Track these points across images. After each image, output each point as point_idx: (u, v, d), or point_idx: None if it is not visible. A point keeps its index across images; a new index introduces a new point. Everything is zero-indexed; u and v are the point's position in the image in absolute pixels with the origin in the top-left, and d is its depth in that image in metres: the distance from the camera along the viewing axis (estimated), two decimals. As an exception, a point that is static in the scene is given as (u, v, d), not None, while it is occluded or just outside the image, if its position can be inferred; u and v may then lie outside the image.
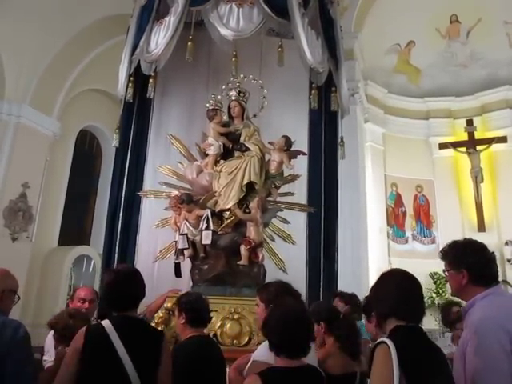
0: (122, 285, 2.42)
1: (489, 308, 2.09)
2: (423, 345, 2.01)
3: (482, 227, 10.83)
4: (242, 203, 4.96)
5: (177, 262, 4.88)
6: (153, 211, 5.48)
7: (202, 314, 2.93)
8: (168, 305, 4.38)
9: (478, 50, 11.45)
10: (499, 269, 8.86)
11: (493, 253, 2.30)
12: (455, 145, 11.43)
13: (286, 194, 5.43)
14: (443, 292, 9.95)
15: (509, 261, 10.36)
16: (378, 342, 1.98)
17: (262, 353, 2.34)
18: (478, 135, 11.35)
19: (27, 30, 8.70)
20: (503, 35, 11.22)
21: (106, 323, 2.32)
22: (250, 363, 2.40)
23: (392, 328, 2.02)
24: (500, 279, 8.56)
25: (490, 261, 2.32)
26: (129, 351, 2.23)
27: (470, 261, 2.23)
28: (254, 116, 5.53)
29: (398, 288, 2.07)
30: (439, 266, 2.60)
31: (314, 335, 2.35)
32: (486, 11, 10.96)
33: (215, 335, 4.26)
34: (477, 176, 11.06)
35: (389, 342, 1.90)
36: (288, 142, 5.18)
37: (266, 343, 2.33)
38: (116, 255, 5.26)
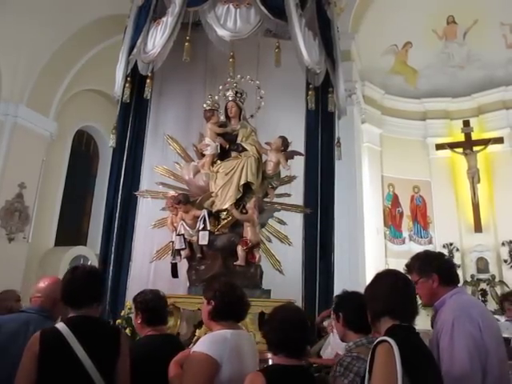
0: (76, 283, 2.43)
1: (459, 304, 2.37)
2: (418, 343, 2.06)
3: (478, 228, 10.86)
4: (239, 204, 4.95)
5: (174, 262, 4.87)
6: (149, 211, 5.48)
7: (158, 312, 2.92)
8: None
9: (475, 51, 11.48)
10: (496, 269, 8.86)
11: (450, 258, 2.59)
12: (452, 146, 11.45)
13: (282, 195, 5.43)
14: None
15: (505, 261, 10.39)
16: (378, 340, 2.00)
17: (200, 344, 2.39)
18: (474, 136, 11.38)
19: (24, 30, 8.68)
20: (499, 36, 11.25)
21: (60, 325, 2.32)
22: (189, 355, 2.44)
23: (388, 327, 2.06)
24: (497, 279, 8.58)
25: (452, 263, 2.65)
26: (87, 350, 2.24)
27: (437, 264, 2.50)
28: (251, 116, 5.53)
29: (393, 288, 2.13)
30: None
31: (311, 337, 2.45)
32: (482, 12, 10.99)
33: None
34: (473, 177, 11.08)
35: (390, 340, 1.93)
36: (285, 142, 5.18)
37: (204, 337, 2.47)
38: (112, 256, 5.26)
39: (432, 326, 2.62)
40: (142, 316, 2.87)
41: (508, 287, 10.04)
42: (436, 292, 2.43)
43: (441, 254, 2.68)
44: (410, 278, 2.43)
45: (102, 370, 2.25)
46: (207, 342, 2.38)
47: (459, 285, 2.61)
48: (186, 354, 2.52)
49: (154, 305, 2.90)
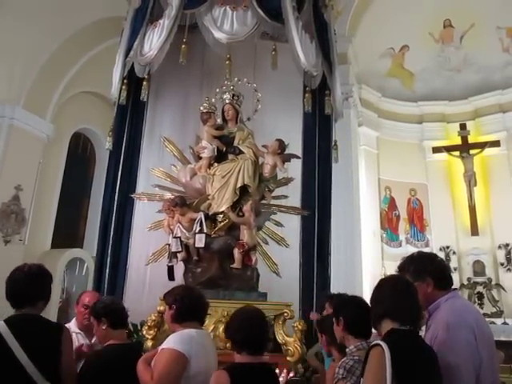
0: (18, 282, 2.46)
1: (454, 309, 2.33)
2: (416, 347, 2.08)
3: (475, 231, 10.86)
4: (236, 206, 4.96)
5: (170, 264, 4.86)
6: (146, 214, 5.47)
7: (121, 314, 2.99)
8: (161, 308, 4.36)
9: (471, 54, 11.50)
10: (492, 272, 8.87)
11: (442, 259, 2.59)
12: (448, 149, 11.46)
13: (279, 197, 5.43)
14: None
15: (502, 264, 10.40)
16: (373, 344, 2.05)
17: (169, 342, 2.55)
18: (471, 139, 11.39)
19: (21, 32, 8.67)
20: (496, 40, 11.28)
21: None
22: (158, 352, 2.57)
23: (387, 330, 2.10)
24: (494, 283, 8.56)
25: (445, 266, 2.63)
26: (25, 347, 2.27)
27: (431, 268, 2.45)
28: (248, 119, 5.54)
29: (392, 291, 2.18)
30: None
31: (269, 336, 2.71)
32: (478, 16, 11.01)
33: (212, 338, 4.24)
34: (470, 180, 11.09)
35: (383, 344, 1.97)
36: (282, 145, 5.18)
37: (171, 336, 2.62)
38: (109, 258, 5.24)
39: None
40: (108, 320, 2.87)
41: (505, 290, 10.05)
42: (430, 296, 2.39)
43: (434, 257, 2.62)
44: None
45: (42, 368, 2.29)
46: (175, 339, 2.54)
47: (455, 288, 2.56)
48: (153, 353, 2.65)
49: (116, 307, 2.98)
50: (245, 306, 2.77)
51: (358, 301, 2.71)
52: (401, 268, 2.54)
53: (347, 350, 2.57)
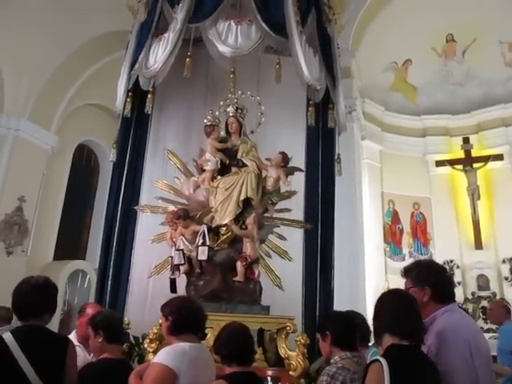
0: (24, 296, 2.47)
1: (450, 322, 2.29)
2: (416, 363, 2.09)
3: (479, 245, 10.81)
4: (239, 219, 4.95)
5: (172, 277, 4.84)
6: (149, 226, 5.46)
7: (118, 330, 3.02)
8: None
9: (474, 68, 11.57)
10: (497, 286, 8.80)
11: (451, 275, 2.52)
12: (452, 162, 11.48)
13: (282, 211, 5.42)
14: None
15: (506, 279, 10.33)
16: (372, 359, 2.09)
17: (160, 356, 2.54)
18: (474, 153, 11.41)
19: (27, 45, 8.77)
20: (498, 54, 11.35)
21: (6, 335, 2.34)
22: (149, 366, 2.57)
23: (387, 346, 2.12)
24: (498, 297, 8.48)
25: (450, 282, 2.61)
26: (31, 360, 2.27)
27: (433, 280, 2.41)
28: (252, 132, 5.55)
29: (389, 305, 2.21)
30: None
31: (255, 348, 2.85)
32: (481, 31, 11.10)
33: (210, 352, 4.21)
34: (473, 193, 11.08)
35: (382, 360, 1.99)
36: (285, 158, 5.19)
37: (164, 349, 2.62)
38: (111, 270, 5.23)
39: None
40: (104, 334, 2.89)
41: (509, 305, 9.95)
42: (424, 306, 2.34)
43: (442, 270, 2.58)
44: (407, 288, 2.46)
45: (47, 381, 2.28)
46: (166, 354, 2.52)
47: (456, 302, 2.52)
48: (145, 366, 2.66)
49: (115, 322, 3.01)
50: (231, 322, 2.92)
51: (343, 315, 2.87)
52: (406, 270, 2.53)
53: (332, 360, 2.69)
